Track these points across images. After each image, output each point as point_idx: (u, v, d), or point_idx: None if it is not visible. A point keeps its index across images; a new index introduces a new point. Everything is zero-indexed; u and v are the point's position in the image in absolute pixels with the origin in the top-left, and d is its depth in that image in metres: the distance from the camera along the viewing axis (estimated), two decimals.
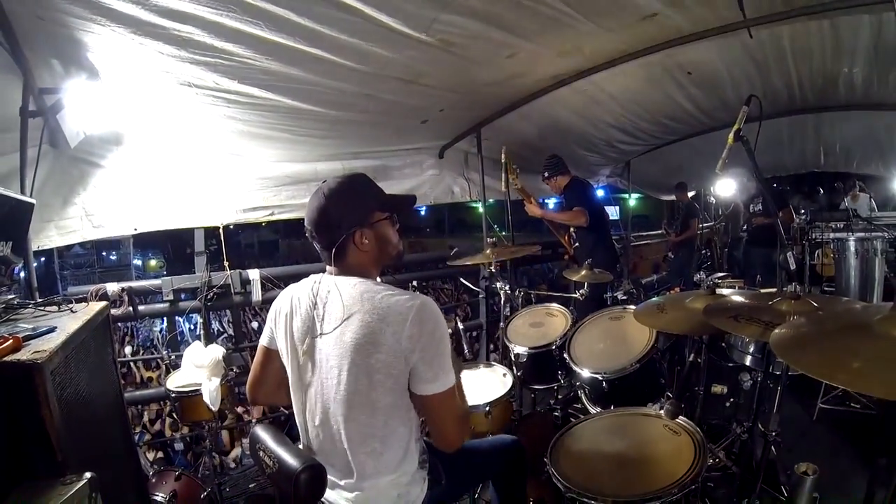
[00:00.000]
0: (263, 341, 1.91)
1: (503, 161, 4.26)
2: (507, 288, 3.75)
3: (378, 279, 1.79)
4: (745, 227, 6.46)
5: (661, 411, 2.20)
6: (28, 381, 1.51)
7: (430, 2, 2.53)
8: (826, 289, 5.71)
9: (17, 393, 1.51)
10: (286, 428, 4.07)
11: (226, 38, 2.46)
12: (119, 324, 7.10)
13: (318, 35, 2.56)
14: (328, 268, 1.78)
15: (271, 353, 1.88)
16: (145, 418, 6.15)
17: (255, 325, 10.77)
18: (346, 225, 1.70)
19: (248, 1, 2.20)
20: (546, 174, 4.87)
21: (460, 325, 3.26)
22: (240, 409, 5.49)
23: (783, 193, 6.22)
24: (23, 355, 1.54)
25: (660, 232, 9.35)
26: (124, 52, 2.52)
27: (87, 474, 1.46)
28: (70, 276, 19.99)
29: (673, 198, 8.49)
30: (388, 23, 2.58)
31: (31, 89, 2.64)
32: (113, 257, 26.16)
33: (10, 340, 1.57)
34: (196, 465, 4.81)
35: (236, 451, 5.36)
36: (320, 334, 1.68)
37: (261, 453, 1.65)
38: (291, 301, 1.80)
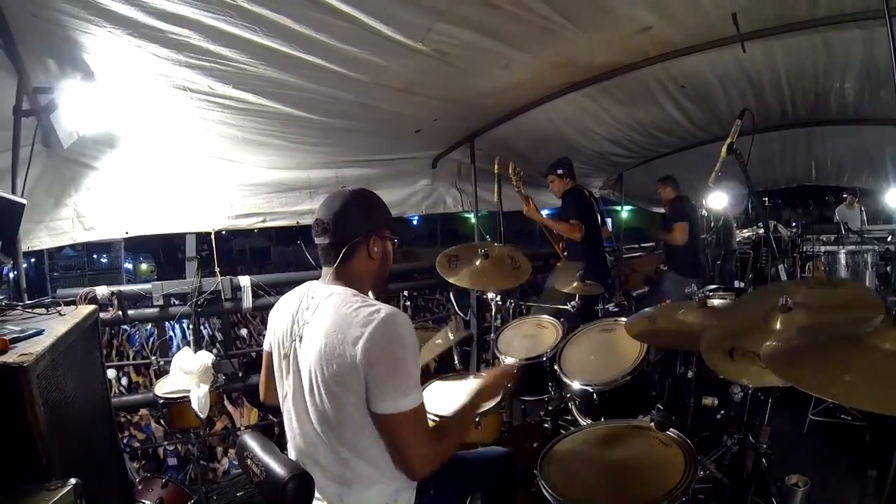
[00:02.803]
0: (266, 346, 1.92)
1: (496, 172, 4.25)
2: (497, 299, 3.73)
3: (369, 294, 1.78)
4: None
5: (652, 423, 2.19)
6: (14, 383, 1.50)
7: (426, 11, 2.55)
8: None
9: (2, 396, 1.49)
10: (275, 436, 4.04)
11: (221, 43, 2.47)
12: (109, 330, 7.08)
13: (313, 42, 2.57)
14: (325, 271, 1.78)
15: (272, 357, 1.88)
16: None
17: (244, 332, 10.71)
18: (365, 227, 1.74)
19: (245, 6, 2.21)
20: (549, 171, 4.83)
21: (451, 336, 3.24)
22: (231, 409, 5.44)
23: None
24: (9, 357, 1.54)
25: (650, 245, 9.37)
26: (120, 54, 2.53)
27: (72, 480, 1.45)
28: (60, 278, 19.91)
29: (664, 210, 8.50)
30: (383, 31, 2.59)
31: (26, 88, 2.64)
32: (104, 260, 26.05)
33: None
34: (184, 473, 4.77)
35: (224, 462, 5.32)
36: (299, 340, 1.69)
37: (248, 461, 1.64)
38: (283, 307, 1.82)
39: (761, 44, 3.50)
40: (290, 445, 1.81)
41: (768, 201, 9.38)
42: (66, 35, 2.38)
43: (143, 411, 5.99)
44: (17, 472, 1.52)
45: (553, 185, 4.87)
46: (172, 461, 5.34)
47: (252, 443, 1.68)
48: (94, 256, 25.74)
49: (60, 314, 2.15)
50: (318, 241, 1.77)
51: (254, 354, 5.31)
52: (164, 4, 2.17)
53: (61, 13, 2.22)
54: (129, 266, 24.62)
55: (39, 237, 3.38)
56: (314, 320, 1.65)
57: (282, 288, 4.21)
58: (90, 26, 2.30)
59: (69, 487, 1.43)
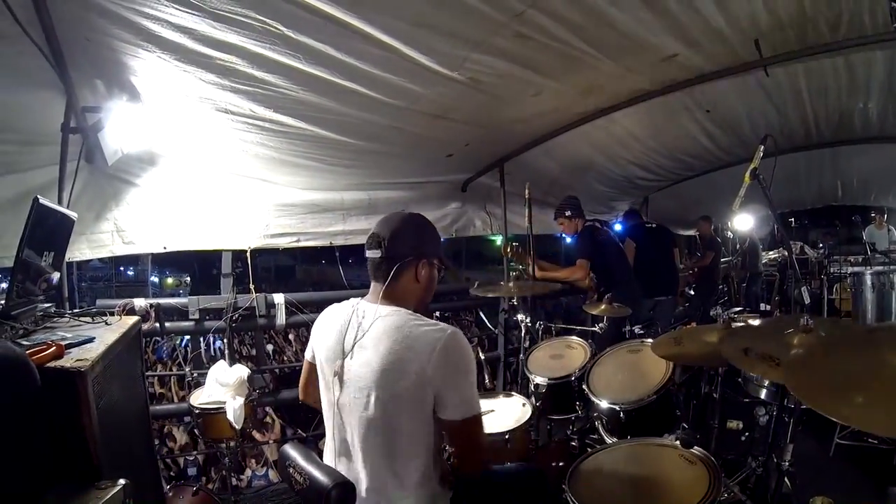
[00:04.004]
0: (307, 356, 1.99)
1: (527, 197, 4.27)
2: (527, 320, 3.77)
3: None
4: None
5: (677, 441, 2.21)
6: (71, 387, 1.57)
7: (463, 42, 2.62)
8: None
9: (59, 398, 1.56)
10: None
11: (265, 69, 2.56)
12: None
13: (353, 69, 2.65)
14: (373, 287, 1.84)
15: (313, 367, 1.95)
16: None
17: (269, 347, 10.78)
18: (417, 249, 1.82)
19: (290, 35, 2.30)
20: (558, 215, 4.84)
21: (482, 356, 3.28)
22: (258, 436, 5.50)
23: None
24: (66, 362, 1.60)
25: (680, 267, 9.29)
26: (166, 77, 2.62)
27: (122, 480, 1.52)
28: (87, 289, 20.06)
29: (692, 232, 8.42)
30: (421, 61, 2.67)
31: (74, 107, 2.72)
32: (130, 273, 26.33)
33: (54, 348, 1.62)
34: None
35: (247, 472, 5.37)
36: (350, 356, 1.73)
37: (291, 470, 1.69)
38: (329, 321, 1.87)
39: (784, 67, 3.55)
40: (329, 456, 1.86)
41: (795, 222, 9.31)
42: (115, 58, 2.48)
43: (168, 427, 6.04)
44: (69, 471, 1.57)
45: (564, 228, 4.87)
46: (192, 471, 5.42)
47: (294, 452, 1.74)
48: (121, 269, 26.06)
49: (107, 324, 2.21)
50: (370, 254, 1.83)
51: (277, 371, 5.39)
52: (214, 32, 2.24)
53: (113, 38, 2.31)
54: (154, 279, 24.90)
55: (80, 249, 3.45)
56: (369, 339, 1.70)
57: (314, 306, 4.26)
58: (140, 51, 2.38)
59: (119, 488, 1.50)
